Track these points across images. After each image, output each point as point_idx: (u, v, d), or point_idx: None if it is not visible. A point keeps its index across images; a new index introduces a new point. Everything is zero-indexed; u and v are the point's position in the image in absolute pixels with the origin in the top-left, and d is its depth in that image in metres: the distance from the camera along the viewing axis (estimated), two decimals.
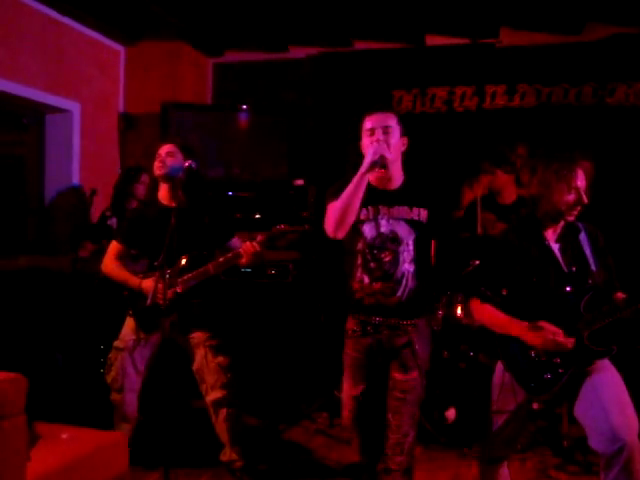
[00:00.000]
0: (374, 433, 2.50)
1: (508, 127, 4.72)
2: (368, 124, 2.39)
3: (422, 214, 2.39)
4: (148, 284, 2.91)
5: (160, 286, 2.68)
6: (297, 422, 3.89)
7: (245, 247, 2.88)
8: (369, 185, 2.36)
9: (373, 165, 2.28)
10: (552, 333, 2.17)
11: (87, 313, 3.91)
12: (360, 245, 2.39)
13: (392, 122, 2.38)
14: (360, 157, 2.39)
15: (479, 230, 3.85)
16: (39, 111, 4.60)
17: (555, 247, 2.33)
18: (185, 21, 4.77)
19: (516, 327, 2.25)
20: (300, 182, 4.70)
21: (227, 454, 3.01)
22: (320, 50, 5.14)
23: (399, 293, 2.35)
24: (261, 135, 4.99)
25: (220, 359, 2.99)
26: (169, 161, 2.98)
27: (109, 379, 3.08)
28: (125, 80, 5.21)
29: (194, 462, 3.14)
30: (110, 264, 3.08)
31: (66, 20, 4.51)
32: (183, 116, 4.87)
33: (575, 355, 2.19)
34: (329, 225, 2.34)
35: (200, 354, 2.99)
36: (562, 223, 2.34)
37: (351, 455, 3.36)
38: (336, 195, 2.36)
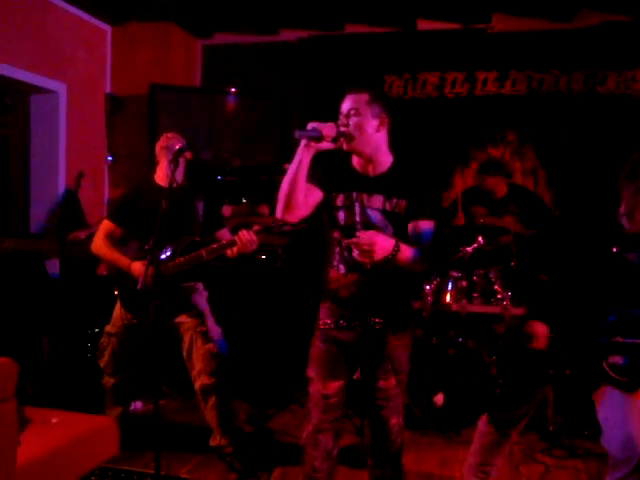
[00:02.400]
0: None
1: (499, 113, 4.73)
2: (340, 107, 2.24)
3: (400, 205, 2.18)
4: (138, 266, 2.89)
5: (150, 270, 2.60)
6: (286, 407, 3.90)
7: (241, 235, 2.84)
8: (351, 168, 2.23)
9: (302, 134, 2.08)
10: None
11: (75, 297, 3.87)
12: (336, 233, 2.24)
13: (359, 104, 2.17)
14: None
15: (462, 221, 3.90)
16: (24, 91, 4.51)
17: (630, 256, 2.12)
18: (174, 1, 4.69)
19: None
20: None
21: (217, 439, 3.01)
22: (311, 33, 5.09)
23: (376, 288, 2.19)
24: (250, 118, 4.94)
25: (210, 346, 2.98)
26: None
27: (102, 364, 3.08)
28: (112, 61, 5.11)
29: (185, 446, 3.14)
30: (100, 243, 3.05)
31: None
32: (171, 98, 4.81)
33: (588, 372, 2.11)
34: (277, 205, 2.14)
35: (190, 340, 2.98)
36: None
37: (340, 439, 3.40)
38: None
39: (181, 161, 2.88)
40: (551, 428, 3.42)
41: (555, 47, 4.62)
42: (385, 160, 2.23)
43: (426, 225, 2.18)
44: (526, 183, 4.66)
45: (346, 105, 2.20)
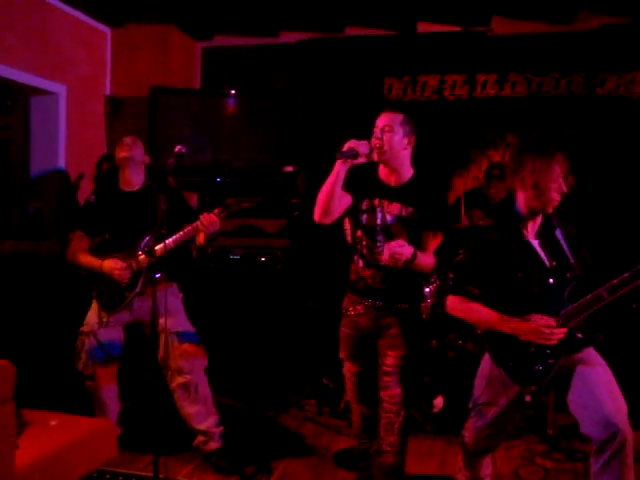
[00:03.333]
0: (373, 412, 2.73)
1: (499, 116, 4.73)
2: (376, 122, 2.57)
3: (414, 214, 2.54)
4: (108, 264, 3.00)
5: (120, 265, 2.97)
6: (286, 409, 3.89)
7: (202, 218, 2.93)
8: (377, 178, 2.61)
9: (342, 155, 2.42)
10: (545, 325, 2.18)
11: (73, 299, 3.86)
12: (359, 232, 2.64)
13: (394, 122, 2.52)
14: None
15: (465, 223, 3.90)
16: (24, 93, 4.51)
17: (535, 243, 2.36)
18: (173, 4, 4.69)
19: (508, 324, 2.24)
20: (290, 168, 4.67)
21: (197, 438, 3.02)
22: (311, 36, 5.09)
23: (387, 282, 2.58)
24: (250, 121, 4.94)
25: (186, 346, 2.98)
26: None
27: (80, 366, 3.06)
28: (112, 63, 5.12)
29: (184, 448, 3.13)
30: (72, 252, 3.16)
31: (52, 1, 4.41)
32: (171, 100, 4.81)
33: (564, 344, 2.21)
34: (315, 211, 2.55)
35: (165, 341, 2.97)
36: (540, 219, 2.37)
37: (339, 442, 3.39)
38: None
39: (141, 165, 3.17)
40: (550, 431, 3.41)
41: (555, 50, 4.62)
42: (407, 173, 2.60)
43: (433, 235, 2.57)
44: None
45: (382, 121, 2.55)
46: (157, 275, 2.93)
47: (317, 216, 2.55)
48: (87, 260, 3.11)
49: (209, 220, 2.92)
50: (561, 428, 3.45)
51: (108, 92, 5.08)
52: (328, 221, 2.56)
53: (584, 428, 2.15)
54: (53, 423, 2.29)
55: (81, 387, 3.14)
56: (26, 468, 1.96)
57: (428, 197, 2.57)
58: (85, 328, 3.06)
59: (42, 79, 4.39)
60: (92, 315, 3.07)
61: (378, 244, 2.55)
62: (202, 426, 3.01)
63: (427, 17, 4.79)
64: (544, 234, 2.37)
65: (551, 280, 2.29)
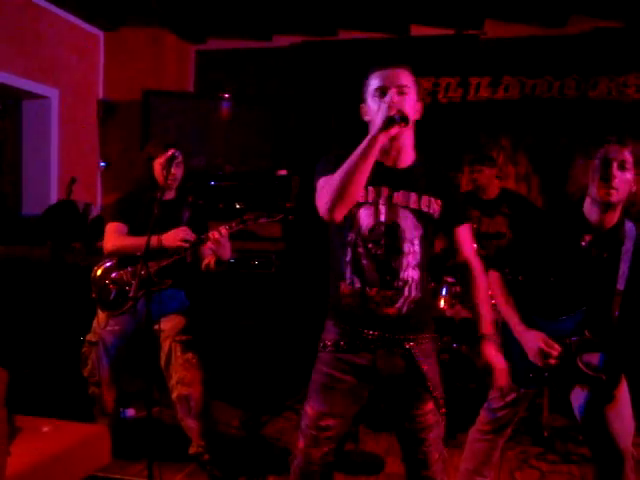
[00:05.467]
0: None
1: (492, 119, 4.74)
2: (376, 82, 1.86)
3: (433, 206, 1.89)
4: (170, 236, 2.82)
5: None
6: (280, 413, 3.88)
7: (210, 234, 2.80)
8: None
9: (389, 122, 1.70)
10: (547, 350, 2.10)
11: (67, 303, 3.84)
12: (351, 236, 1.87)
13: (408, 80, 1.86)
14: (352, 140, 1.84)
15: None
16: (16, 97, 4.49)
17: (589, 252, 2.13)
18: (167, 7, 4.69)
19: (516, 328, 2.20)
20: (283, 172, 4.66)
21: (194, 447, 3.00)
22: (304, 39, 5.10)
23: (399, 304, 1.85)
24: (244, 124, 4.94)
25: (189, 355, 2.93)
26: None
27: (86, 373, 3.05)
28: (105, 66, 5.11)
29: (178, 454, 3.11)
30: (113, 240, 2.95)
31: (44, 4, 4.40)
32: (164, 104, 4.80)
33: (564, 371, 2.14)
34: (324, 203, 1.76)
35: (169, 349, 2.95)
36: (608, 226, 2.12)
37: None
38: (330, 168, 1.82)
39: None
40: (545, 433, 3.42)
41: (547, 53, 4.64)
42: (411, 151, 1.94)
43: (468, 230, 2.00)
44: (520, 189, 4.67)
45: (399, 79, 1.85)
46: (166, 282, 2.93)
47: (326, 209, 1.75)
48: (136, 241, 2.81)
49: (217, 238, 2.76)
50: (556, 430, 3.46)
51: (101, 96, 5.07)
52: (340, 216, 1.77)
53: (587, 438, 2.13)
54: (46, 429, 2.27)
55: (76, 392, 3.13)
56: (18, 475, 1.93)
57: (449, 179, 2.01)
58: (92, 337, 3.04)
59: (34, 83, 4.37)
60: (97, 323, 3.03)
61: (382, 250, 1.85)
62: (200, 438, 2.99)
63: (420, 20, 4.82)
64: (606, 245, 2.12)
65: (582, 303, 2.11)
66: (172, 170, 2.87)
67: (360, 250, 1.86)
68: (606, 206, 2.08)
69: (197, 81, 5.45)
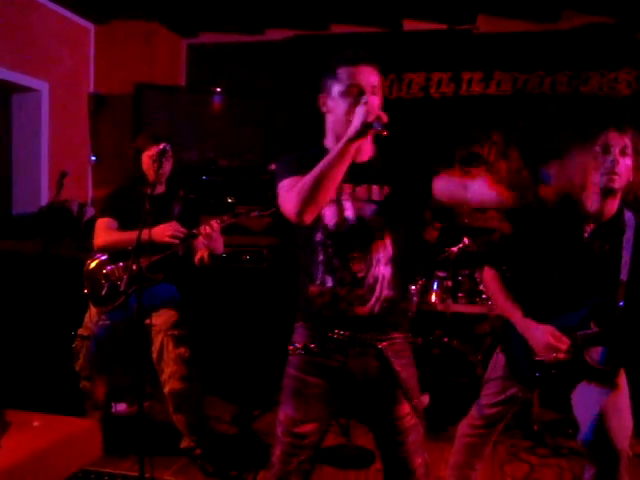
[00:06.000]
0: None
1: (484, 114, 4.75)
2: (346, 78, 1.80)
3: (392, 195, 1.86)
4: (159, 230, 2.81)
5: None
6: (272, 408, 3.88)
7: (202, 227, 2.81)
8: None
9: (367, 128, 1.65)
10: (556, 344, 2.05)
11: (57, 297, 3.83)
12: (319, 236, 1.82)
13: (377, 79, 1.82)
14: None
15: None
16: (5, 90, 4.46)
17: (591, 244, 2.11)
18: (158, 0, 4.66)
19: (521, 324, 2.14)
20: (275, 167, 4.65)
21: (185, 442, 3.01)
22: (297, 33, 5.08)
23: (371, 302, 1.80)
24: (236, 118, 4.92)
25: (181, 350, 2.94)
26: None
27: (77, 367, 3.05)
28: (96, 60, 5.07)
29: (169, 449, 3.12)
30: (104, 235, 2.97)
31: None
32: (156, 98, 4.78)
33: (571, 366, 2.08)
34: (292, 206, 1.69)
35: (160, 343, 2.95)
36: (608, 217, 2.11)
37: (326, 439, 3.39)
38: (294, 169, 1.79)
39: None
40: (535, 427, 3.44)
41: (540, 48, 4.65)
42: (370, 145, 1.89)
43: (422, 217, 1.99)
44: None
45: (370, 78, 1.80)
46: (157, 276, 2.93)
47: (294, 212, 1.68)
48: (127, 236, 2.83)
49: (209, 232, 2.77)
50: (545, 424, 3.48)
51: (92, 89, 5.04)
52: (310, 219, 1.69)
53: (582, 435, 2.06)
54: (36, 424, 2.26)
55: (67, 387, 3.13)
56: (8, 469, 1.93)
57: (408, 166, 1.90)
58: (84, 332, 3.04)
59: (24, 76, 4.34)
60: (89, 317, 3.04)
61: (351, 248, 1.80)
62: (191, 432, 2.99)
63: (413, 15, 4.81)
64: (607, 236, 2.11)
65: (587, 295, 2.08)
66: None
67: (330, 250, 1.81)
68: (607, 192, 2.07)
69: (189, 75, 5.42)
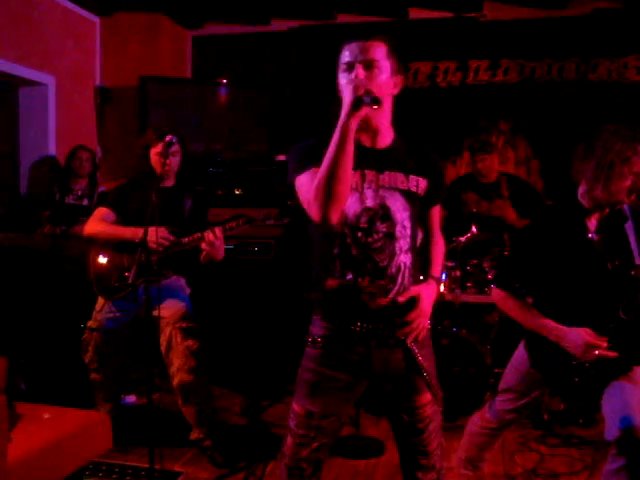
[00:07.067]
0: None
1: (491, 102, 4.72)
2: (344, 57, 1.76)
3: (421, 185, 1.80)
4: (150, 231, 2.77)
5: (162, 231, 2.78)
6: (281, 399, 3.89)
7: (206, 234, 2.85)
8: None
9: (357, 103, 1.59)
10: (595, 342, 2.00)
11: (68, 290, 3.84)
12: (339, 226, 1.73)
13: (379, 54, 1.72)
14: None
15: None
16: (12, 84, 4.46)
17: (596, 239, 2.09)
18: None
19: (554, 332, 2.07)
20: (282, 157, 4.64)
21: (195, 433, 3.02)
22: (302, 23, 5.05)
23: (393, 294, 1.75)
24: (242, 110, 4.91)
25: (189, 342, 2.93)
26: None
27: (86, 360, 3.06)
28: (101, 52, 5.07)
29: (179, 440, 3.13)
30: (95, 223, 3.01)
31: None
32: (162, 90, 4.77)
33: (607, 364, 2.03)
34: (316, 212, 1.62)
35: (169, 335, 2.95)
36: (607, 210, 2.10)
37: None
38: (307, 162, 1.74)
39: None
40: (545, 417, 3.43)
41: (547, 35, 4.60)
42: (389, 129, 1.83)
43: (439, 211, 1.95)
44: (519, 172, 4.65)
45: (366, 53, 1.72)
46: (166, 269, 2.95)
47: (318, 213, 1.62)
48: (116, 229, 2.95)
49: (212, 238, 2.83)
50: (555, 413, 3.47)
51: (98, 82, 5.03)
52: (337, 215, 1.63)
53: (607, 433, 1.98)
54: (46, 416, 2.27)
55: (77, 379, 3.14)
56: (19, 462, 1.94)
57: (432, 158, 1.87)
58: (93, 324, 3.05)
59: (30, 70, 4.34)
60: (98, 309, 3.05)
61: (373, 237, 1.74)
62: (201, 424, 3.00)
63: (419, 3, 4.77)
64: (610, 228, 2.09)
65: (608, 287, 2.04)
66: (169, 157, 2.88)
67: (349, 240, 1.74)
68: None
69: (194, 67, 5.41)
